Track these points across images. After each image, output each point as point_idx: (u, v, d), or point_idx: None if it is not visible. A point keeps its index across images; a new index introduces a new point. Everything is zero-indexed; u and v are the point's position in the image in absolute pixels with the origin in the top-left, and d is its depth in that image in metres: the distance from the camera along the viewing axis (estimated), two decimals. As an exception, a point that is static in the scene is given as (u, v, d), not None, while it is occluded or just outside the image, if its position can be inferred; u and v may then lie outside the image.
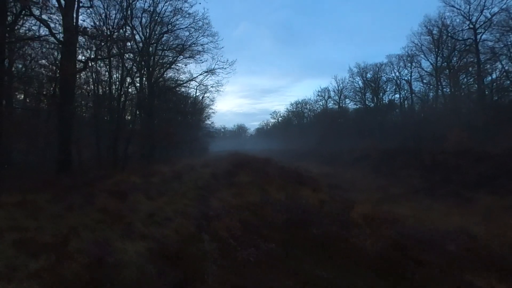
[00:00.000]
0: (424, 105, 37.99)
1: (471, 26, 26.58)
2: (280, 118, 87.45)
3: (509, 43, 24.43)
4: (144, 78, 25.00)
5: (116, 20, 20.23)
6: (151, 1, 22.81)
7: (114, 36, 18.27)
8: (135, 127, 18.93)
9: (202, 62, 27.66)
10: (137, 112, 22.86)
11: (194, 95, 45.13)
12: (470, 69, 27.72)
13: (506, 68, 24.88)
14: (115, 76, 22.05)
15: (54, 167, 13.15)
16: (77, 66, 14.50)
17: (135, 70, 22.70)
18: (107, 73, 21.36)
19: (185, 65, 27.71)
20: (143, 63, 23.37)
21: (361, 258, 4.57)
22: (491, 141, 19.57)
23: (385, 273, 4.17)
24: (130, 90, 22.80)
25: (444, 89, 33.06)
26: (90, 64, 15.02)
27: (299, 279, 3.82)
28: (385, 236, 5.21)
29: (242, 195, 8.43)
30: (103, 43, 14.46)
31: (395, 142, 31.99)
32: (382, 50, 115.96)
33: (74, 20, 16.15)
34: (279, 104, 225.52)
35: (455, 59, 30.50)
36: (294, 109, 74.56)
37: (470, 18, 26.63)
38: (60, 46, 13.53)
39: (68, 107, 12.76)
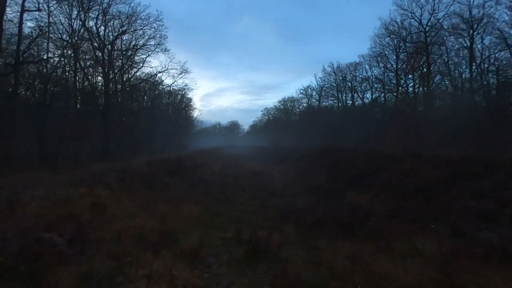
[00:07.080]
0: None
1: (422, 29, 27.09)
2: (270, 115, 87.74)
3: (456, 46, 25.04)
4: (99, 77, 26.31)
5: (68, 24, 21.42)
6: (105, 4, 23.99)
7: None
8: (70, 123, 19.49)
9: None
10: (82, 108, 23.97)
11: (173, 95, 46.38)
12: (421, 71, 28.30)
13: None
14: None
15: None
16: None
17: (86, 68, 23.98)
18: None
19: (151, 65, 29.04)
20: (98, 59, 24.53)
21: None
22: (418, 144, 20.35)
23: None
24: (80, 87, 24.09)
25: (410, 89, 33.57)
26: (19, 67, 16.18)
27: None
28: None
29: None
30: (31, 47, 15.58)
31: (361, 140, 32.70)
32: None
33: (19, 24, 17.46)
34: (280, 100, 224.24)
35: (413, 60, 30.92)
36: (283, 106, 74.51)
37: (421, 21, 27.16)
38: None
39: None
